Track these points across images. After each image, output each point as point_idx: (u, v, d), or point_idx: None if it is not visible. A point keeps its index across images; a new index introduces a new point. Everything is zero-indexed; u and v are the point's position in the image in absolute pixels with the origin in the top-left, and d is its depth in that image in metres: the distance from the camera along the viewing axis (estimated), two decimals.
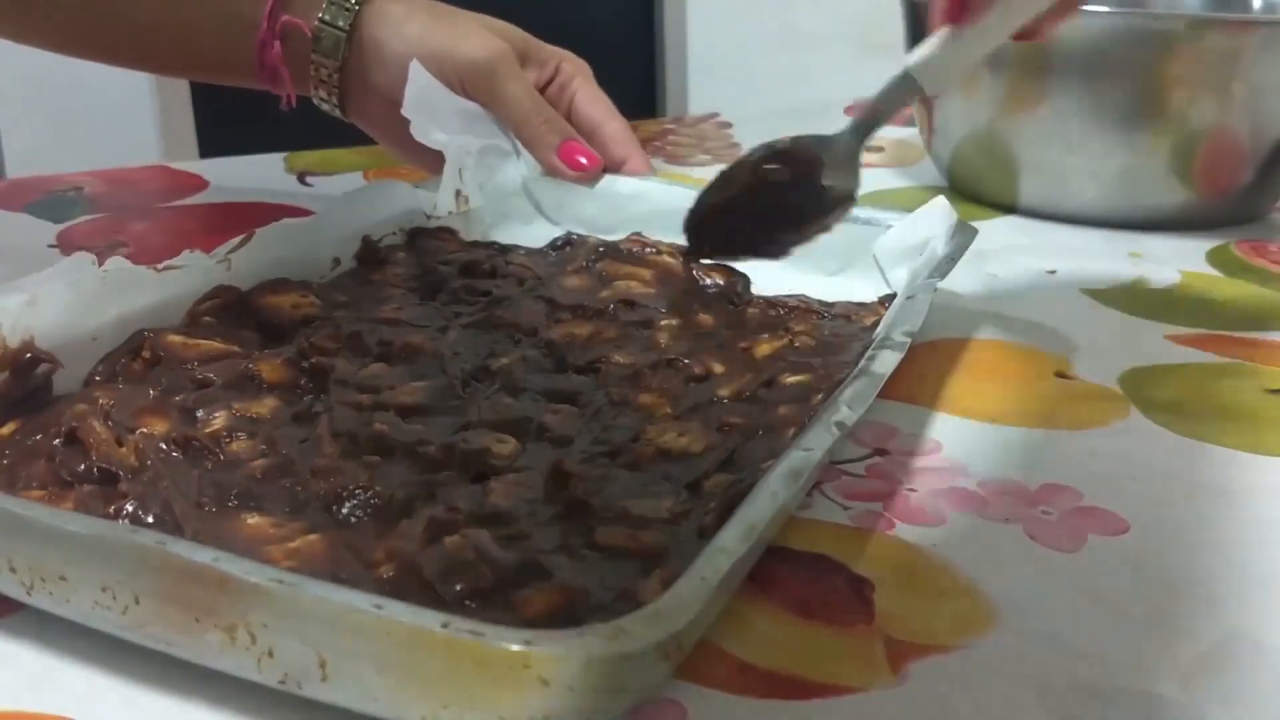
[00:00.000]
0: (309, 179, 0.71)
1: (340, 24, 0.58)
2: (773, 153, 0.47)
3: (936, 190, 0.68)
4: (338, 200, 0.53)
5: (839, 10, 1.30)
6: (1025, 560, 0.34)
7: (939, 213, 0.51)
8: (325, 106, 0.61)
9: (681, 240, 0.50)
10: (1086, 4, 0.43)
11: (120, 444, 0.33)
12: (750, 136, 0.82)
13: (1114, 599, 0.32)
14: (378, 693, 0.25)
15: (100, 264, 0.41)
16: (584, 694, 0.23)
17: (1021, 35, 0.45)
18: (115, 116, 1.25)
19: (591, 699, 0.24)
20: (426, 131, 0.56)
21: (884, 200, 0.68)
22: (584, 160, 0.58)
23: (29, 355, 0.37)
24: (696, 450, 0.36)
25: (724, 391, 0.40)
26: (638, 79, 1.41)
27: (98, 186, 0.68)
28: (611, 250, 0.52)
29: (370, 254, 0.51)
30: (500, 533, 0.31)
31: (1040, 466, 0.39)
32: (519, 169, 0.59)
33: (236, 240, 0.46)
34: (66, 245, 0.58)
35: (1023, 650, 0.30)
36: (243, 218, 0.62)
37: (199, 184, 0.68)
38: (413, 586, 0.29)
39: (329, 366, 0.39)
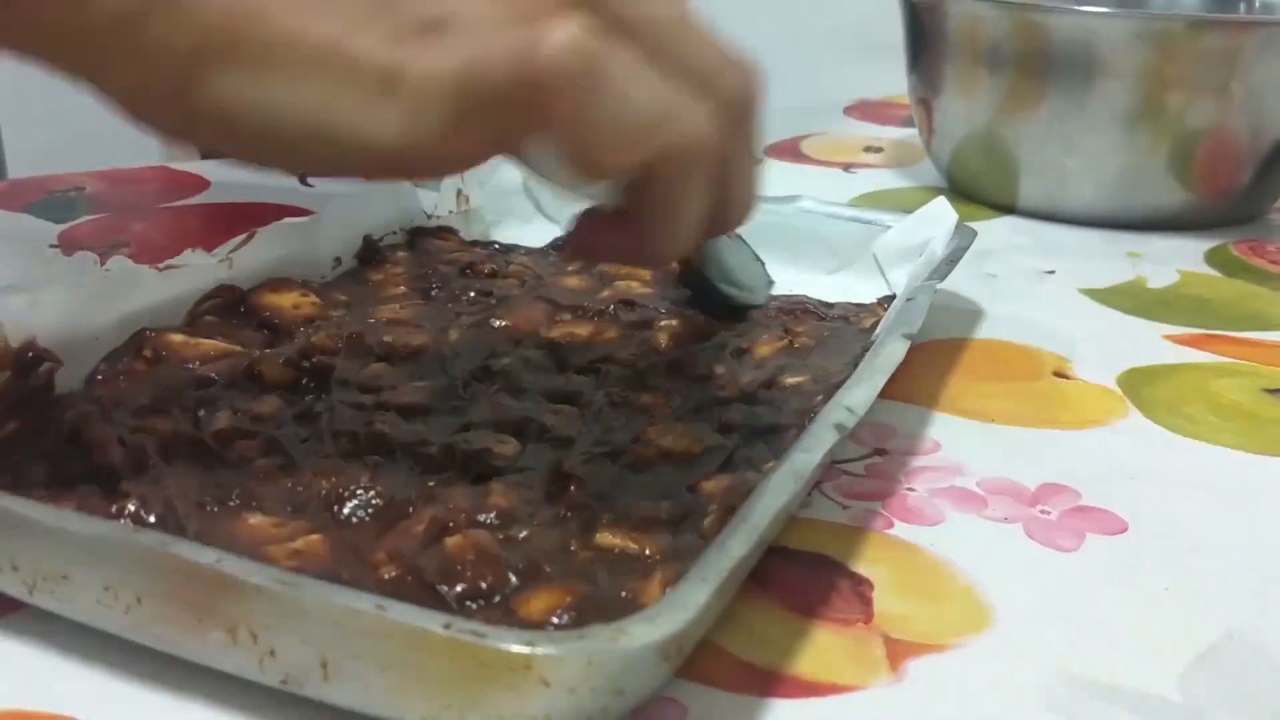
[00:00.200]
0: (310, 179, 0.71)
1: None
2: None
3: (936, 191, 0.68)
4: (338, 200, 0.53)
5: (839, 10, 1.30)
6: (1024, 560, 0.34)
7: (939, 213, 0.51)
8: None
9: None
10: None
11: (122, 444, 0.33)
12: None
13: (1113, 599, 0.33)
14: (379, 693, 0.25)
15: (102, 264, 0.41)
16: (585, 695, 0.24)
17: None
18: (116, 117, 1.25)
19: (592, 700, 0.24)
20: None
21: (884, 200, 0.68)
22: None
23: (30, 355, 0.37)
24: (697, 451, 0.36)
25: (724, 392, 0.40)
26: None
27: (99, 186, 0.68)
28: None
29: (371, 254, 0.51)
30: (501, 533, 0.31)
31: (1039, 466, 0.39)
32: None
33: (238, 240, 0.46)
34: (68, 245, 0.58)
35: (1021, 649, 0.30)
36: (244, 218, 0.62)
37: (200, 184, 0.68)
38: (414, 587, 0.29)
39: (330, 366, 0.39)
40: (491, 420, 0.37)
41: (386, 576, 0.29)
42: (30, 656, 0.29)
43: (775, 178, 0.72)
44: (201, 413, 0.36)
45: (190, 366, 0.39)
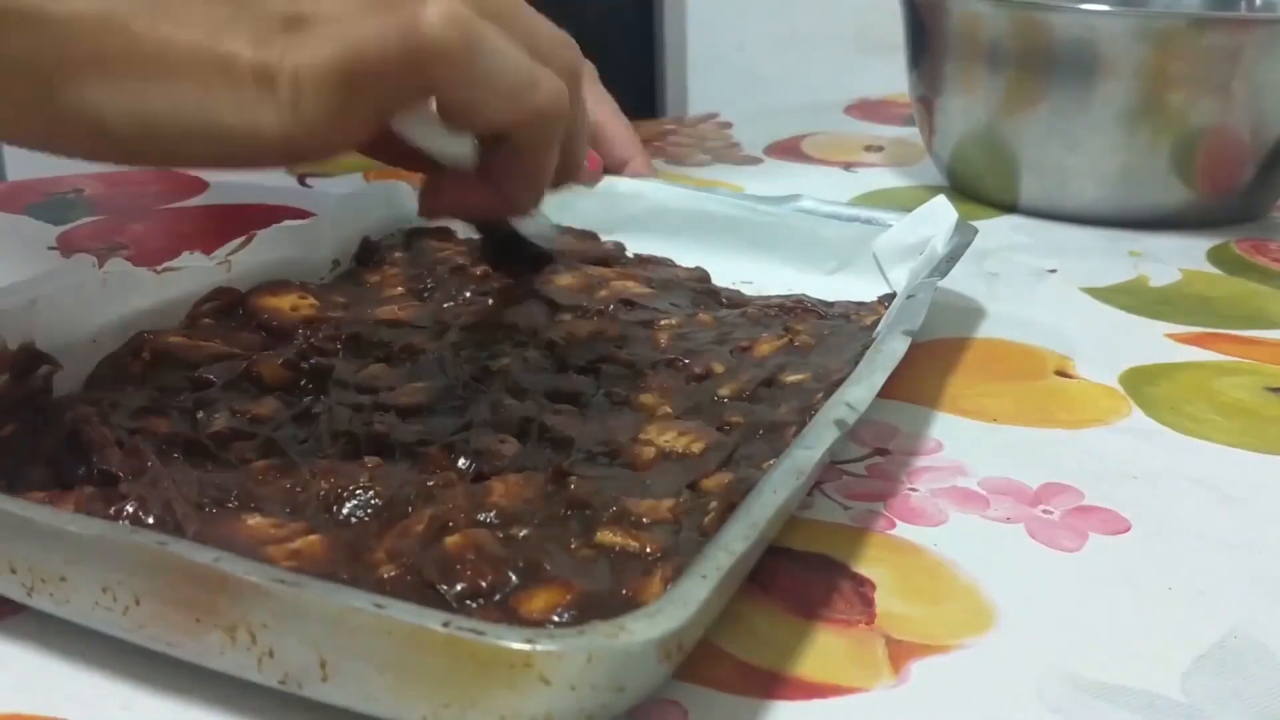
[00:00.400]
0: (308, 180, 0.71)
1: None
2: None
3: (936, 190, 0.68)
4: (337, 201, 0.53)
5: (839, 10, 1.30)
6: (1026, 560, 0.34)
7: (939, 212, 0.51)
8: None
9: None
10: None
11: (121, 445, 0.33)
12: (750, 136, 0.82)
13: (1115, 598, 0.32)
14: (378, 692, 0.25)
15: (100, 266, 0.41)
16: (585, 692, 0.23)
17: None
18: None
19: (592, 698, 0.24)
20: (426, 135, 0.56)
21: (884, 200, 0.68)
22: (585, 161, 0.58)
23: (29, 357, 0.37)
24: (697, 450, 0.36)
25: (724, 391, 0.40)
26: (638, 79, 1.41)
27: (98, 188, 0.67)
28: None
29: (370, 255, 0.51)
30: (501, 532, 0.31)
31: (1041, 466, 0.39)
32: None
33: (236, 242, 0.46)
34: (67, 247, 0.58)
35: (1024, 650, 0.30)
36: (242, 219, 0.62)
37: (199, 186, 0.68)
38: (414, 586, 0.29)
39: (329, 367, 0.39)
40: (491, 420, 0.37)
41: (386, 576, 0.29)
42: (29, 658, 0.29)
43: (776, 177, 0.73)
44: (200, 414, 0.36)
45: (189, 368, 0.39)
